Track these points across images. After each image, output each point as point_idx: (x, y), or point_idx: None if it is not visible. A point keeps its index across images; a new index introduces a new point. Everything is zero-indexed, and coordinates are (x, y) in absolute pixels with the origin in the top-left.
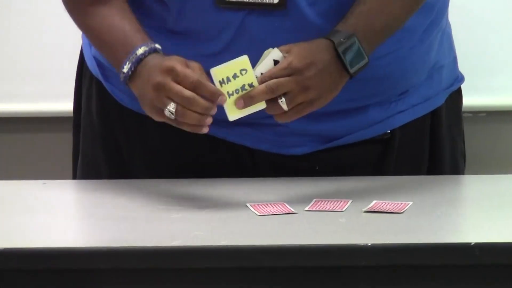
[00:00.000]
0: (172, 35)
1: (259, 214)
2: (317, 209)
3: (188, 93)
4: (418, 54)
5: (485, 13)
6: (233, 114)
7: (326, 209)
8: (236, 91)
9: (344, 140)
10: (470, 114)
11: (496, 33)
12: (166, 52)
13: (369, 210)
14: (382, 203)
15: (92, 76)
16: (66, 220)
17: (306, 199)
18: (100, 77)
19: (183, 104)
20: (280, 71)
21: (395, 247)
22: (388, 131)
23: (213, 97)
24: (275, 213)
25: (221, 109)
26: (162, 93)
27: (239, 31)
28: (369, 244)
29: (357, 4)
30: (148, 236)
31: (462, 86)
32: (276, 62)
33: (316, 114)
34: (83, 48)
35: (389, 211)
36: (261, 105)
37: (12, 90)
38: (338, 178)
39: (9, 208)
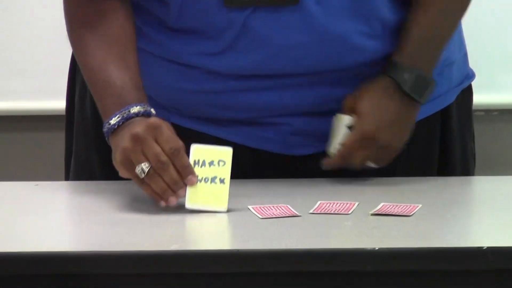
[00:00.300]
0: (172, 33)
1: (261, 217)
2: (322, 211)
3: (164, 158)
4: None
5: (496, 7)
6: (191, 202)
7: (331, 212)
8: (205, 179)
9: None
10: (482, 113)
11: (508, 28)
12: (167, 50)
13: (376, 212)
14: (390, 205)
15: None
16: (59, 223)
17: (310, 201)
18: None
19: (156, 167)
20: (355, 143)
21: (404, 252)
22: None
23: (184, 172)
24: (278, 216)
25: (221, 108)
26: (139, 147)
27: (243, 30)
28: (377, 249)
29: (408, 27)
30: (145, 239)
31: (474, 83)
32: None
33: (322, 113)
34: None
35: (397, 213)
36: (221, 206)
37: (1, 87)
38: (344, 179)
39: (0, 211)
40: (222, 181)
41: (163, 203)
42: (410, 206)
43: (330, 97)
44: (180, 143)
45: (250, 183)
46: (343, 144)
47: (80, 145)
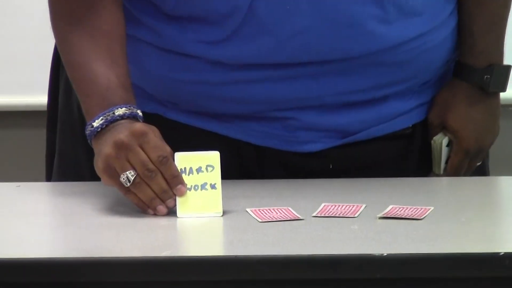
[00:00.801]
0: (170, 20)
1: (260, 220)
2: (326, 214)
3: (152, 166)
4: (451, 38)
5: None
6: (183, 211)
7: (337, 215)
8: (195, 187)
9: (361, 136)
10: None
11: None
12: (164, 38)
13: (384, 216)
14: (400, 208)
15: None
16: (43, 228)
17: (313, 204)
18: None
19: (143, 175)
20: (463, 162)
21: (414, 258)
22: (410, 126)
23: (173, 182)
24: (278, 219)
25: (222, 101)
26: (123, 153)
27: (248, 16)
28: (385, 255)
29: (468, 25)
30: (134, 245)
31: None
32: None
33: (331, 106)
34: None
35: (407, 217)
36: (216, 211)
37: None
38: (350, 180)
39: None
40: (213, 186)
41: (150, 211)
42: (421, 208)
43: (340, 89)
44: (168, 150)
45: (249, 183)
46: (451, 166)
47: (66, 143)
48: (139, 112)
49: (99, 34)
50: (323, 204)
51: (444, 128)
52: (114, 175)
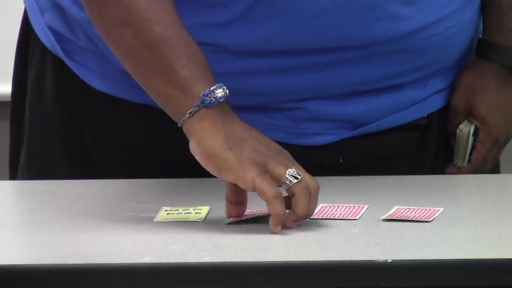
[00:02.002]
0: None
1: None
2: (325, 216)
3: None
4: (477, 19)
5: None
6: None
7: (336, 217)
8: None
9: (374, 126)
10: None
11: None
12: None
13: (389, 218)
14: (405, 209)
15: (45, 52)
16: (9, 231)
17: None
18: (60, 54)
19: (307, 188)
20: (490, 152)
21: (422, 265)
22: (425, 116)
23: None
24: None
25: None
26: (286, 159)
27: None
28: (390, 261)
29: (497, 1)
30: (112, 251)
31: None
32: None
33: (342, 94)
34: (29, 16)
35: (414, 219)
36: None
37: None
38: (351, 178)
39: None
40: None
41: (278, 229)
42: (429, 210)
43: (355, 79)
44: None
45: None
46: (477, 158)
47: (36, 136)
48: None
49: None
50: (321, 205)
51: (469, 114)
52: (270, 181)
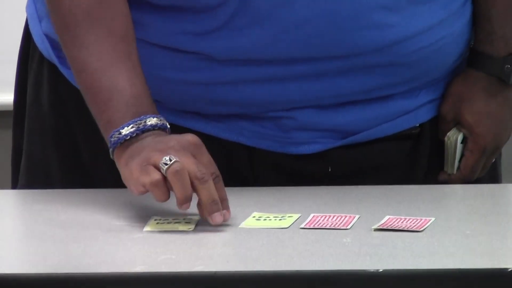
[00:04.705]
0: (153, 9)
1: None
2: (316, 226)
3: (206, 171)
4: (467, 31)
5: None
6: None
7: (327, 227)
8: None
9: (364, 136)
10: None
11: None
12: (147, 30)
13: (380, 227)
14: (397, 219)
15: (42, 59)
16: (2, 240)
17: (302, 214)
18: (55, 61)
19: (195, 176)
20: (478, 162)
21: (413, 274)
22: (417, 125)
23: (223, 203)
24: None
25: (213, 103)
26: (172, 153)
27: (241, 4)
28: (381, 270)
29: (485, 10)
30: (104, 260)
31: None
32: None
33: (330, 104)
34: (29, 23)
35: (405, 229)
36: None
37: None
38: (342, 187)
39: None
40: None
41: (183, 208)
42: (421, 219)
43: (342, 90)
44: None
45: (231, 191)
46: (466, 166)
47: (34, 143)
48: (168, 125)
49: (117, 37)
50: (312, 215)
51: (458, 123)
52: (151, 170)
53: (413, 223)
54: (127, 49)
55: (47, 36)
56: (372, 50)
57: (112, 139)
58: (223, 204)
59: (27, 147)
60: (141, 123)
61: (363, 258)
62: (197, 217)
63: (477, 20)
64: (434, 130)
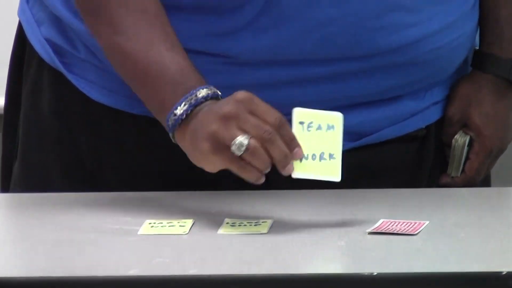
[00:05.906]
0: (178, 11)
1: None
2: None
3: (269, 128)
4: (474, 35)
5: None
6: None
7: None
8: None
9: (371, 138)
10: None
11: None
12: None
13: (374, 231)
14: (391, 222)
15: (42, 64)
16: None
17: (297, 217)
18: (58, 66)
19: (262, 139)
20: (483, 164)
21: (408, 277)
22: (424, 127)
23: (292, 144)
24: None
25: None
26: (233, 123)
27: (267, 4)
28: (375, 274)
29: (495, 12)
30: (98, 263)
31: None
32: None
33: (338, 106)
34: (25, 29)
35: (399, 232)
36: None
37: None
38: (336, 191)
39: None
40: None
41: (262, 180)
42: (415, 223)
43: (356, 92)
44: (280, 113)
45: (227, 194)
46: (471, 168)
47: (31, 147)
48: (219, 92)
49: (151, 16)
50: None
51: (464, 125)
52: (224, 150)
53: (407, 227)
54: (163, 28)
55: (48, 41)
56: (391, 50)
57: (170, 123)
58: (293, 143)
59: (22, 153)
60: (192, 98)
61: (357, 261)
62: (191, 221)
63: (485, 22)
64: (439, 131)
